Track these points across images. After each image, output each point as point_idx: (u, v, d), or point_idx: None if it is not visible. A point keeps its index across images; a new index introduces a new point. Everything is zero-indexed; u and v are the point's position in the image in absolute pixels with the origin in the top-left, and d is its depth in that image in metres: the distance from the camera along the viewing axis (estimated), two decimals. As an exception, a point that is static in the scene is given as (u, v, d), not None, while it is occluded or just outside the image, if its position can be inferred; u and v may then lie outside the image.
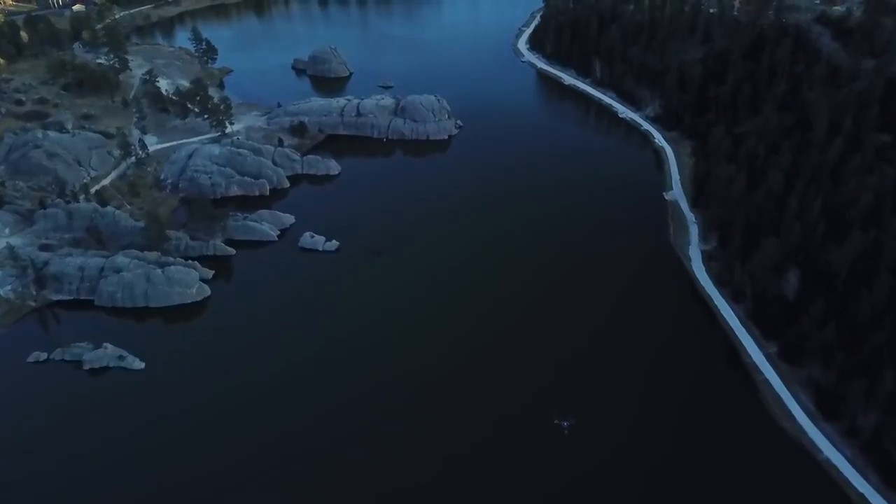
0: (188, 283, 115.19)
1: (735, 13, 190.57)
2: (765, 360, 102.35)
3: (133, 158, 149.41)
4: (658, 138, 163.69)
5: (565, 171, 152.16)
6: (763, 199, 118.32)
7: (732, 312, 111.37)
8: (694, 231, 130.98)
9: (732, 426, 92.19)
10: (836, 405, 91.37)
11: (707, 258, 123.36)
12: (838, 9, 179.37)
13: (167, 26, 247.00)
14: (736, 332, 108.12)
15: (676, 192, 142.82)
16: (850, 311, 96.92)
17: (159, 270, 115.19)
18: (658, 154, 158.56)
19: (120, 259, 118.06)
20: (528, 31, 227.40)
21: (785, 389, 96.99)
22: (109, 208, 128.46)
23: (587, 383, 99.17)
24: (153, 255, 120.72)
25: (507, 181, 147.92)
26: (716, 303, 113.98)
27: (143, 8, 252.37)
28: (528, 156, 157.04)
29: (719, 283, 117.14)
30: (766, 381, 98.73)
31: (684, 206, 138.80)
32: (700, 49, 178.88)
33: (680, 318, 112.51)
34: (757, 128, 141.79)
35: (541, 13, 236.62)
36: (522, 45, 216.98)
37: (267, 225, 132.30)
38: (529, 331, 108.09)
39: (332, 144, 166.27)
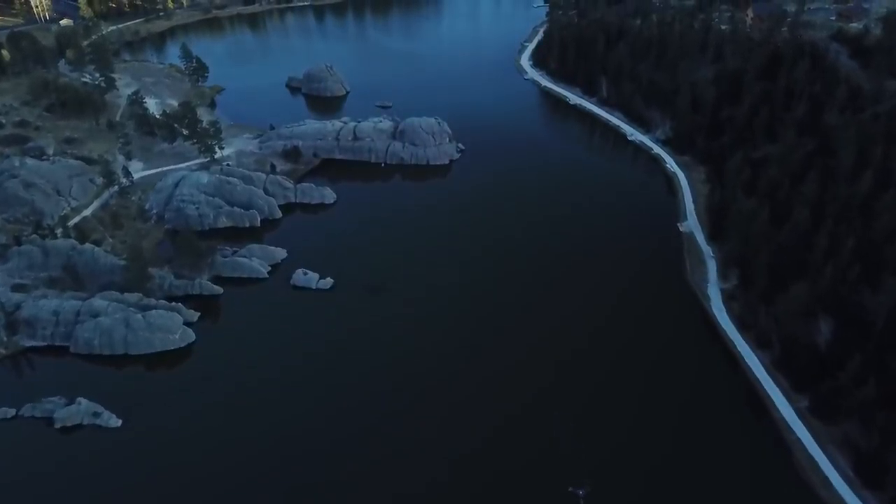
0: (171, 328, 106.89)
1: (748, 30, 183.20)
2: (795, 415, 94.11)
3: (116, 187, 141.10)
4: (670, 163, 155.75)
5: (572, 197, 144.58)
6: (788, 236, 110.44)
7: (757, 360, 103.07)
8: (712, 267, 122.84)
9: (762, 490, 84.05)
10: (879, 472, 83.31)
11: (727, 297, 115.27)
12: (855, 26, 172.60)
13: (157, 41, 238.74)
14: (762, 381, 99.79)
15: (691, 223, 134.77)
16: (889, 364, 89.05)
17: (140, 315, 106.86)
18: (670, 180, 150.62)
19: (98, 302, 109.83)
20: (531, 46, 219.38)
21: (820, 451, 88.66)
22: (88, 246, 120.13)
23: (606, 435, 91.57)
24: (134, 296, 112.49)
25: (510, 211, 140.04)
26: (738, 348, 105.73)
27: (131, 23, 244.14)
28: (533, 183, 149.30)
29: (741, 326, 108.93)
30: (799, 440, 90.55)
31: (700, 238, 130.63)
32: (711, 68, 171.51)
33: (699, 362, 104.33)
34: (776, 153, 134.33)
35: (543, 27, 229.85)
36: (525, 61, 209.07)
37: (257, 261, 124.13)
38: (535, 371, 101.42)
39: (327, 170, 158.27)
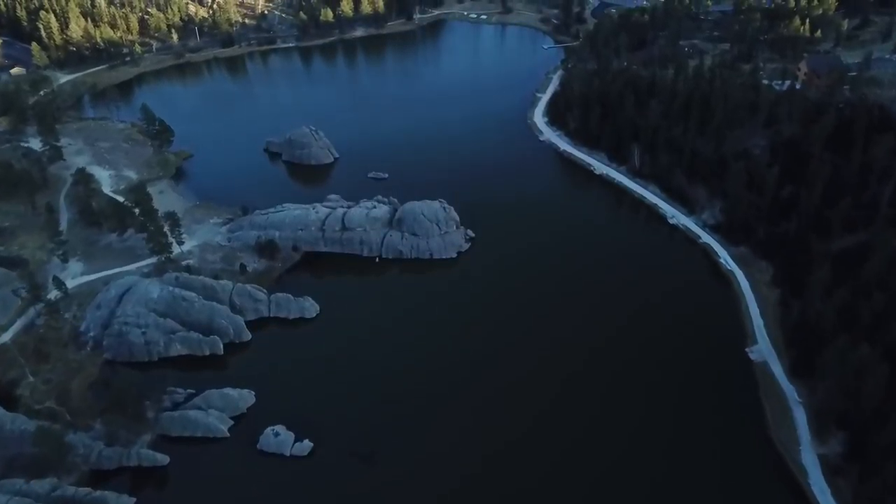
0: (89, 538, 79.14)
1: (802, 87, 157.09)
2: None
3: (42, 304, 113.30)
4: (723, 257, 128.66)
5: (606, 306, 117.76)
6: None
7: (888, 580, 76.13)
8: (801, 418, 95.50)
9: None
10: None
11: (830, 470, 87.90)
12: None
13: (121, 92, 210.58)
14: None
15: (763, 349, 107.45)
16: None
17: (47, 522, 79.14)
18: (727, 281, 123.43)
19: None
20: (545, 97, 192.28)
21: None
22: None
23: None
24: (45, 484, 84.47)
25: (532, 326, 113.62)
26: (858, 557, 78.77)
27: (93, 70, 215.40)
28: (557, 285, 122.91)
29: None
30: None
31: (778, 371, 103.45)
32: (763, 134, 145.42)
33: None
34: (861, 248, 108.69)
35: (557, 74, 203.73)
36: (539, 117, 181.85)
37: (215, 413, 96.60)
38: None
39: (310, 266, 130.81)
